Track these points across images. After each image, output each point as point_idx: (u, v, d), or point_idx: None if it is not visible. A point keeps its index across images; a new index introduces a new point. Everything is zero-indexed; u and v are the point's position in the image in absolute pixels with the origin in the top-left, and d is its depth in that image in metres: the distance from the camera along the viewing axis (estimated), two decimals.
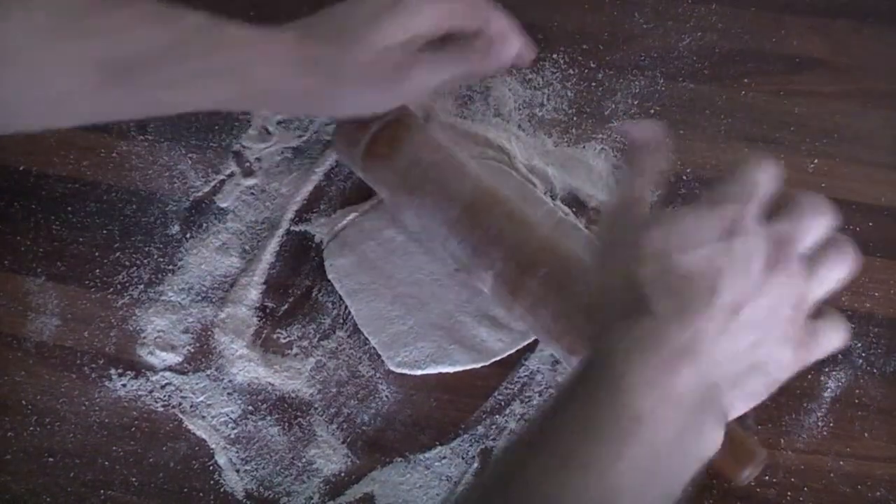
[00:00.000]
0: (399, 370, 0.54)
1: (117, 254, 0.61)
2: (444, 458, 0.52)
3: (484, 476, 0.47)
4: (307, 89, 0.48)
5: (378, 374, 0.55)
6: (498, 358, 0.54)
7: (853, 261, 0.39)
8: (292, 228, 0.61)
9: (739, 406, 0.39)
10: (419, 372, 0.54)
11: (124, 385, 0.56)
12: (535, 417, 0.38)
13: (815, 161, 0.61)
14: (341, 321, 0.57)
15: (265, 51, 0.47)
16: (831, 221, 0.39)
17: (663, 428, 0.35)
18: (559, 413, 0.36)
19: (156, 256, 0.61)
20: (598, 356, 0.37)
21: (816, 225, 0.38)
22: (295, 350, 0.57)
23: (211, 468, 0.53)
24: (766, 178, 0.39)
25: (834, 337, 0.41)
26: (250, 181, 0.63)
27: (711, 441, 0.37)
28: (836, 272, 0.39)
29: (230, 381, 0.56)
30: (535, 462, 0.35)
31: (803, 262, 0.38)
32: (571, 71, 0.67)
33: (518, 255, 0.51)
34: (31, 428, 0.55)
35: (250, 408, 0.55)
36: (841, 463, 0.50)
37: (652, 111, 0.64)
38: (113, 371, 0.57)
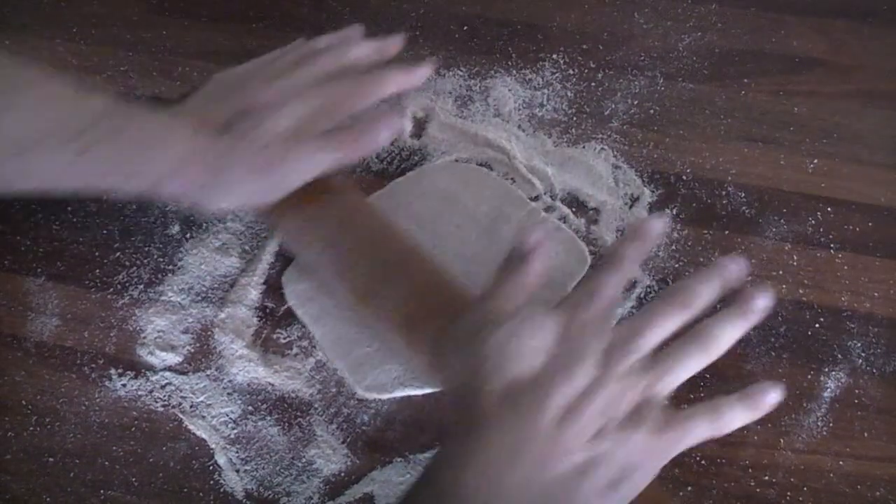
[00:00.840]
0: (367, 395, 0.54)
1: (117, 254, 0.61)
2: None
3: None
4: (193, 178, 0.47)
5: None
6: None
7: (712, 351, 0.40)
8: None
9: (601, 500, 0.38)
10: (387, 395, 0.53)
11: (124, 385, 0.56)
12: (408, 490, 0.41)
13: (815, 161, 0.61)
14: None
15: (163, 140, 0.47)
16: (687, 316, 0.40)
17: None
18: (419, 494, 0.39)
19: (156, 256, 0.61)
20: (447, 449, 0.40)
21: (666, 324, 0.40)
22: (295, 350, 0.57)
23: (211, 468, 0.53)
24: (615, 280, 0.41)
25: (702, 426, 0.40)
26: None
27: None
28: (686, 368, 0.40)
29: (230, 381, 0.56)
30: None
31: (645, 360, 0.39)
32: (571, 71, 0.67)
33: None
34: (31, 428, 0.55)
35: (250, 408, 0.55)
36: (840, 463, 0.50)
37: (652, 111, 0.64)
38: (113, 371, 0.57)
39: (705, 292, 0.40)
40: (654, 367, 0.39)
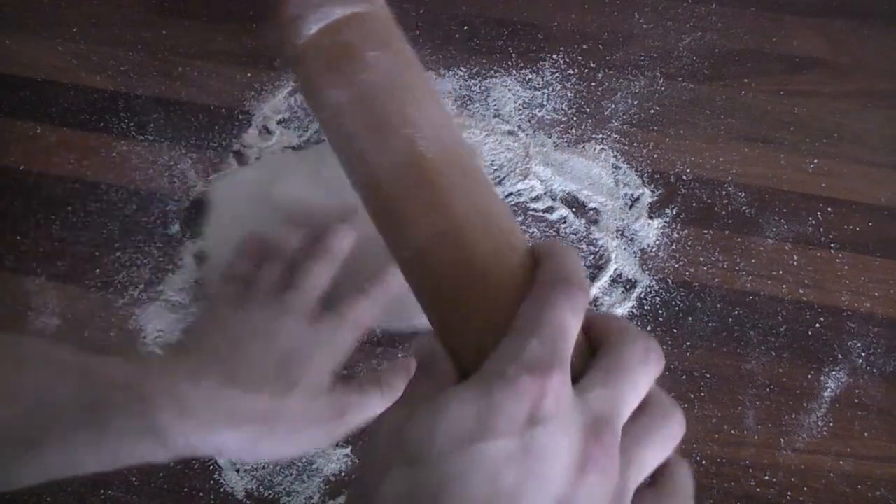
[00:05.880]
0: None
1: (117, 254, 0.61)
2: None
3: None
4: (228, 443, 0.42)
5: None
6: None
7: (678, 432, 0.29)
8: None
9: None
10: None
11: None
12: None
13: (815, 161, 0.61)
14: None
15: (185, 408, 0.41)
16: (658, 369, 0.28)
17: None
18: None
19: (156, 256, 0.61)
20: None
21: (643, 385, 0.28)
22: None
23: (211, 468, 0.53)
24: (575, 321, 0.27)
25: None
26: None
27: None
28: (665, 452, 0.29)
29: None
30: None
31: (618, 443, 0.27)
32: (571, 71, 0.67)
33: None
34: None
35: None
36: (841, 463, 0.50)
37: (652, 111, 0.64)
38: None
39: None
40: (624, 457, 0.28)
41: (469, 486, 0.25)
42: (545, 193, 0.61)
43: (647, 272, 0.57)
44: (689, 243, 0.58)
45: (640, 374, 0.28)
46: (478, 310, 0.28)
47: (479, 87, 0.67)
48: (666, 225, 0.59)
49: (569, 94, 0.65)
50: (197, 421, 0.41)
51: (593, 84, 0.66)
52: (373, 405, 0.45)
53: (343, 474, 0.52)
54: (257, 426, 0.42)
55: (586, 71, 0.67)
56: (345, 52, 0.32)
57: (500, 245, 0.29)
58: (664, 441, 0.28)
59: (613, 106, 0.65)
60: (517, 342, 0.27)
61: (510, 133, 0.64)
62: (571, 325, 0.27)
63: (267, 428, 0.42)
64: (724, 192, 0.60)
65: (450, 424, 0.26)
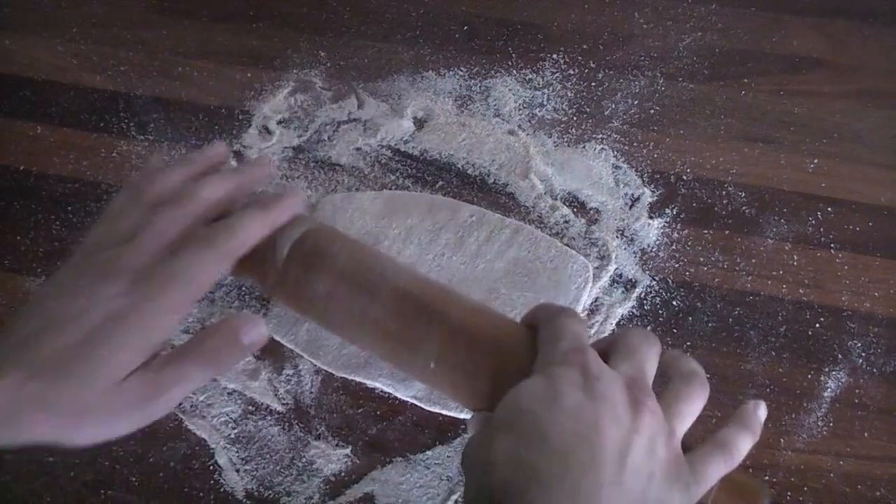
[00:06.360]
0: (433, 409, 0.53)
1: None
2: (444, 458, 0.52)
3: None
4: (40, 429, 0.40)
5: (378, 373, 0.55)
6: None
7: (706, 390, 0.39)
8: None
9: None
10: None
11: None
12: None
13: (815, 161, 0.61)
14: None
15: None
16: (658, 346, 0.39)
17: None
18: None
19: None
20: None
21: (653, 356, 0.38)
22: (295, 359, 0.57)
23: (211, 468, 0.53)
24: (582, 329, 0.38)
25: (720, 467, 0.38)
26: None
27: None
28: (695, 405, 0.38)
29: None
30: None
31: (654, 398, 0.37)
32: (571, 71, 0.67)
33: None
34: None
35: (250, 408, 0.55)
36: (841, 462, 0.50)
37: (652, 111, 0.64)
38: None
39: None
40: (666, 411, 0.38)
41: (557, 426, 0.34)
42: (545, 193, 0.61)
43: (647, 272, 0.57)
44: (689, 243, 0.58)
45: (647, 350, 0.38)
46: (495, 366, 0.38)
47: (479, 87, 0.67)
48: (666, 225, 0.59)
49: (569, 94, 0.66)
50: (5, 415, 0.39)
51: (593, 84, 0.66)
52: (192, 380, 0.41)
53: (343, 474, 0.52)
54: (64, 418, 0.40)
55: (586, 71, 0.67)
56: (316, 255, 0.41)
57: (494, 317, 0.39)
58: (692, 394, 0.38)
59: (613, 106, 0.65)
60: (550, 345, 0.37)
61: (510, 133, 0.64)
62: (583, 331, 0.37)
63: (75, 419, 0.40)
64: (724, 192, 0.60)
65: (529, 396, 0.35)
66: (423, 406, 0.53)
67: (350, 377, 0.55)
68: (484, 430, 0.36)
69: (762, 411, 0.40)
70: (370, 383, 0.54)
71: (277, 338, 0.56)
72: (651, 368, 0.38)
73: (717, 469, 0.39)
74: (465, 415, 0.53)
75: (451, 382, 0.39)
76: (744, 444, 0.40)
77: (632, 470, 0.35)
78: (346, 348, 0.55)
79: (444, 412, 0.53)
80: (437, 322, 0.39)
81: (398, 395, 0.54)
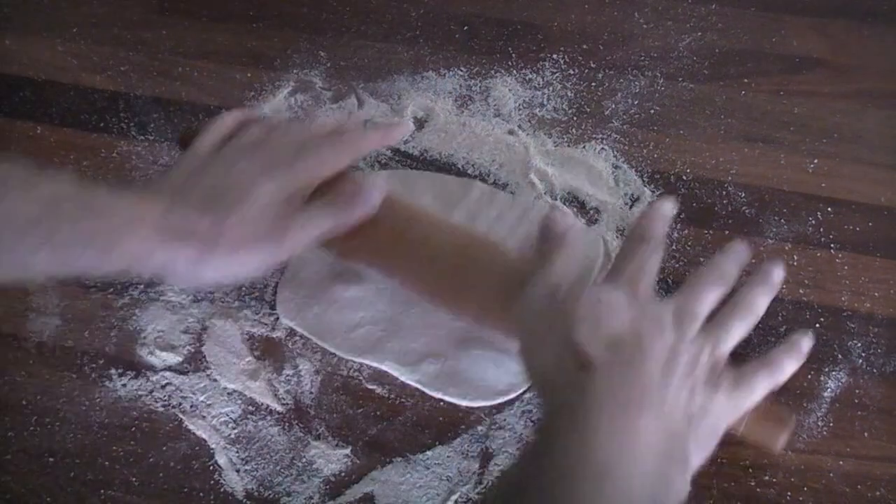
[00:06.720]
0: (473, 403, 0.54)
1: None
2: (444, 458, 0.52)
3: None
4: (177, 258, 0.45)
5: (379, 374, 0.55)
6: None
7: (753, 317, 0.45)
8: None
9: (696, 455, 0.41)
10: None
11: (124, 385, 0.56)
12: (516, 471, 0.41)
13: (815, 161, 0.61)
14: None
15: (132, 220, 0.45)
16: (725, 289, 0.45)
17: (631, 476, 0.37)
18: (536, 465, 0.39)
19: None
20: (558, 407, 0.41)
21: (711, 295, 0.44)
22: (296, 355, 0.57)
23: (211, 468, 0.53)
24: (655, 260, 0.45)
25: (763, 381, 0.44)
26: None
27: (679, 489, 0.39)
28: (738, 331, 0.44)
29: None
30: None
31: (706, 322, 0.44)
32: (571, 71, 0.67)
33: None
34: (31, 428, 0.55)
35: (250, 408, 0.55)
36: (841, 463, 0.50)
37: (652, 111, 0.64)
38: (113, 371, 0.57)
39: (734, 269, 0.46)
40: (711, 332, 0.43)
41: (604, 322, 0.41)
42: (545, 193, 0.61)
43: None
44: (689, 243, 0.58)
45: (708, 290, 0.44)
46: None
47: (479, 87, 0.67)
48: None
49: (569, 94, 0.66)
50: (145, 234, 0.44)
51: (593, 84, 0.66)
52: (318, 224, 0.48)
53: (343, 474, 0.52)
54: (200, 244, 0.45)
55: (586, 71, 0.67)
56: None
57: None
58: (742, 324, 0.44)
59: (613, 106, 0.65)
60: (618, 259, 0.47)
61: (510, 133, 0.64)
62: (654, 264, 0.46)
63: (209, 246, 0.45)
64: (724, 192, 0.60)
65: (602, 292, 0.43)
66: (425, 391, 0.54)
67: (357, 360, 0.55)
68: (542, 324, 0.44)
69: (808, 341, 0.46)
70: (377, 366, 0.55)
71: (286, 321, 0.57)
72: (706, 298, 0.44)
73: (762, 383, 0.44)
74: (466, 402, 0.53)
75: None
76: (789, 366, 0.45)
77: (678, 374, 0.40)
78: (354, 332, 0.56)
79: (446, 398, 0.54)
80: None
81: (403, 379, 0.54)
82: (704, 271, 0.45)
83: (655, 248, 0.46)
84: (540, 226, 0.48)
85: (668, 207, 0.48)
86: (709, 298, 0.44)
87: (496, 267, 0.50)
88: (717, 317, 0.44)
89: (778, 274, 0.46)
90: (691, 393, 0.41)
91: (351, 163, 0.51)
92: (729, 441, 0.51)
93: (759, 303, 0.45)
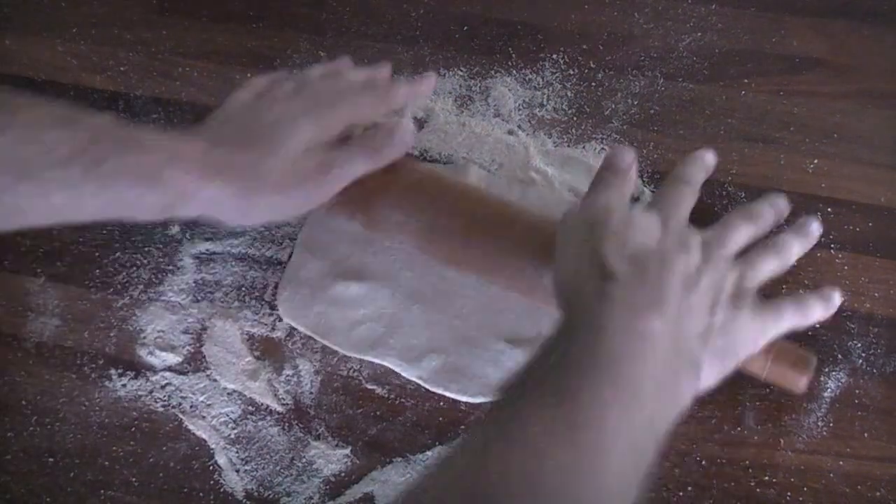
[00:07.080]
0: (475, 400, 0.54)
1: (117, 254, 0.61)
2: None
3: (481, 421, 0.48)
4: (221, 196, 0.46)
5: (378, 374, 0.55)
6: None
7: (784, 258, 0.47)
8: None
9: (710, 369, 0.43)
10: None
11: (124, 385, 0.56)
12: (524, 368, 0.40)
13: (815, 161, 0.61)
14: None
15: (175, 154, 0.45)
16: (757, 231, 0.47)
17: (641, 370, 0.38)
18: (548, 360, 0.40)
19: (156, 256, 0.61)
20: (576, 312, 0.42)
21: (743, 231, 0.46)
22: (295, 356, 0.57)
23: (211, 468, 0.53)
24: (691, 199, 0.47)
25: (790, 313, 0.46)
26: None
27: (683, 392, 0.41)
28: (767, 266, 0.46)
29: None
30: (529, 401, 0.37)
31: (734, 257, 0.45)
32: (571, 71, 0.67)
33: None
34: (31, 428, 0.55)
35: (250, 408, 0.55)
36: (840, 463, 0.50)
37: (652, 111, 0.64)
38: (113, 371, 0.57)
39: (768, 214, 0.48)
40: (738, 265, 0.45)
41: (631, 238, 0.43)
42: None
43: None
44: None
45: (736, 232, 0.46)
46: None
47: (479, 87, 0.67)
48: None
49: (569, 94, 0.65)
50: (188, 168, 0.45)
51: (593, 84, 0.66)
52: (358, 162, 0.49)
53: (343, 474, 0.52)
54: (245, 181, 0.46)
55: (586, 71, 0.67)
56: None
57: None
58: (769, 260, 0.46)
59: (613, 106, 0.65)
60: (664, 186, 0.49)
61: (510, 133, 0.64)
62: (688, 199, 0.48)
63: (254, 183, 0.46)
64: (724, 192, 0.60)
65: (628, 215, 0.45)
66: (426, 387, 0.54)
67: (360, 357, 0.55)
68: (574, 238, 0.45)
69: (838, 295, 0.47)
70: (379, 362, 0.55)
71: (287, 320, 0.57)
72: (732, 240, 0.45)
73: (789, 315, 0.46)
74: (467, 399, 0.53)
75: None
76: (795, 248, 0.47)
77: (698, 292, 0.42)
78: (355, 330, 0.56)
79: (447, 394, 0.54)
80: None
81: (404, 375, 0.54)
82: (736, 211, 0.47)
83: (693, 191, 0.48)
84: (607, 154, 0.49)
85: (710, 158, 0.50)
86: (738, 234, 0.46)
87: (531, 232, 0.50)
88: (747, 254, 0.46)
89: (815, 227, 0.48)
90: (711, 309, 0.42)
91: (384, 112, 0.53)
92: (729, 441, 0.51)
93: (791, 247, 0.47)
